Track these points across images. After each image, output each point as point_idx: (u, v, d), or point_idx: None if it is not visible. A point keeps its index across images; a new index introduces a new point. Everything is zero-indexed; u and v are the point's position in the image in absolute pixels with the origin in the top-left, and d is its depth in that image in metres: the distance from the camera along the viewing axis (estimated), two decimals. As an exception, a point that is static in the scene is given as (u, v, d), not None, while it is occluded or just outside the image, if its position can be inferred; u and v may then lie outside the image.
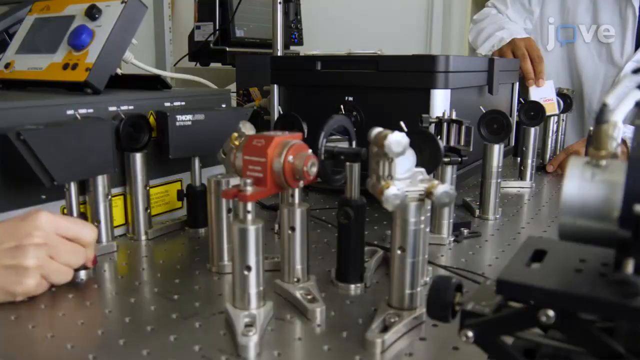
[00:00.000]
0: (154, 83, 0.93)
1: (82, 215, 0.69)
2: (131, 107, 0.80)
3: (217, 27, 1.98)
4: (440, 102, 0.87)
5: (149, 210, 0.80)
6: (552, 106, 1.31)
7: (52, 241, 0.58)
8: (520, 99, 1.26)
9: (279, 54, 1.27)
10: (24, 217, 0.58)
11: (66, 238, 0.60)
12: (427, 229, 0.56)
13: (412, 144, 0.52)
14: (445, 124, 0.80)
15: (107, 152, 0.70)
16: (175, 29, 2.45)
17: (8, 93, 0.86)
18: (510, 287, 0.36)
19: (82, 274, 0.66)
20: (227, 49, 1.96)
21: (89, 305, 0.59)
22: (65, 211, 0.70)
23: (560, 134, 1.36)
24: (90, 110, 0.75)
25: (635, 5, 1.41)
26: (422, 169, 0.53)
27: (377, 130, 0.53)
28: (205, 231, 0.78)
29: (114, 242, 0.75)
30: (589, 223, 0.36)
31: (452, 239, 0.79)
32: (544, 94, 1.33)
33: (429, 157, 0.61)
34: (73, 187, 0.67)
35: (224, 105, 0.95)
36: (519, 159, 1.18)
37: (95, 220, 0.74)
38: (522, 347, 0.40)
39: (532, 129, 1.11)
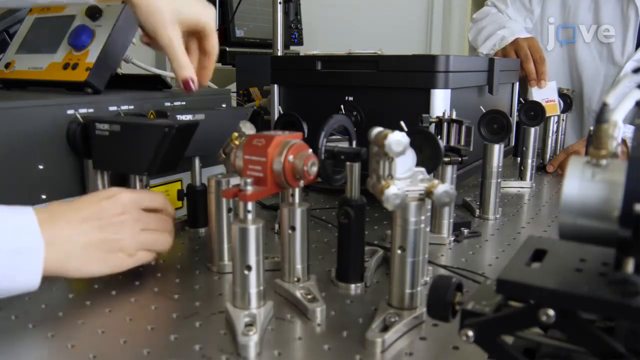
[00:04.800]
0: (154, 83, 0.93)
1: None
2: (131, 107, 0.80)
3: (217, 27, 1.98)
4: (441, 102, 0.87)
5: (149, 210, 0.80)
6: (553, 107, 1.30)
7: (141, 215, 0.62)
8: (521, 99, 1.26)
9: (279, 54, 1.27)
10: (107, 195, 0.61)
11: (147, 210, 0.64)
12: (427, 229, 0.56)
13: (412, 144, 0.52)
14: (445, 124, 0.80)
15: None
16: (175, 29, 2.45)
17: (8, 93, 0.86)
18: (511, 287, 0.36)
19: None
20: (227, 49, 1.96)
21: (89, 305, 0.59)
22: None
23: (560, 134, 1.36)
24: (91, 110, 0.75)
25: (638, 5, 1.41)
26: (423, 169, 0.53)
27: (377, 130, 0.53)
28: (206, 231, 0.78)
29: (114, 242, 0.75)
30: (589, 222, 0.36)
31: (452, 238, 0.79)
32: (546, 94, 1.32)
33: (429, 157, 0.61)
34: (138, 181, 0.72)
35: (224, 105, 0.95)
36: (519, 159, 1.18)
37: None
38: (522, 347, 0.40)
39: (532, 129, 1.11)
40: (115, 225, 0.59)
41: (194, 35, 0.81)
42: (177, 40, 0.75)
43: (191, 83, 0.77)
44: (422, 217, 0.53)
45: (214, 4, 1.97)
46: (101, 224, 0.58)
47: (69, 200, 0.61)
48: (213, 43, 0.82)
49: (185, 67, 0.76)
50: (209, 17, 0.79)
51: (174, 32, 0.74)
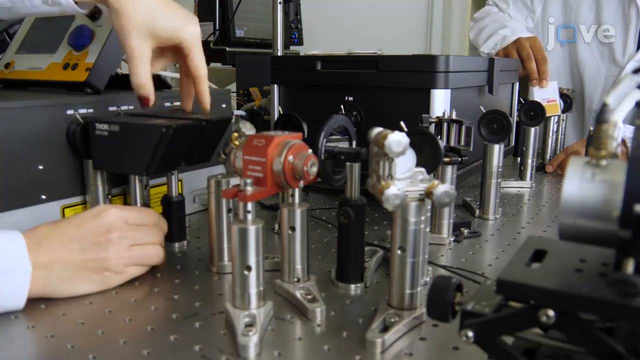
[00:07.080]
0: (153, 83, 0.93)
1: None
2: (131, 107, 0.80)
3: (217, 27, 1.98)
4: (440, 102, 0.87)
5: (149, 210, 0.80)
6: (554, 107, 1.30)
7: (128, 232, 0.62)
8: (521, 99, 1.26)
9: (279, 54, 1.27)
10: (94, 214, 0.61)
11: (136, 225, 0.64)
12: (427, 229, 0.56)
13: (412, 144, 0.52)
14: (445, 124, 0.80)
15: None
16: (175, 29, 2.44)
17: (8, 93, 0.86)
18: (511, 287, 0.36)
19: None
20: (227, 49, 1.96)
21: (88, 305, 0.59)
22: (66, 211, 0.70)
23: (560, 134, 1.36)
24: (90, 110, 0.75)
25: (639, 5, 1.41)
26: (422, 169, 0.53)
27: (377, 130, 0.53)
28: (180, 246, 0.76)
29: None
30: (589, 223, 0.36)
31: (452, 239, 0.79)
32: (547, 94, 1.32)
33: (429, 157, 0.61)
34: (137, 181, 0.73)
35: (224, 105, 0.95)
36: (519, 159, 1.18)
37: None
38: (522, 347, 0.40)
39: (532, 129, 1.11)
40: (100, 245, 0.59)
41: (180, 54, 0.74)
42: (140, 53, 0.69)
43: (148, 101, 0.71)
44: (422, 218, 0.53)
45: (214, 4, 1.97)
46: (84, 245, 0.59)
47: (57, 221, 0.61)
48: (195, 63, 0.73)
49: (140, 85, 0.70)
50: (187, 33, 0.71)
51: (140, 43, 0.68)
